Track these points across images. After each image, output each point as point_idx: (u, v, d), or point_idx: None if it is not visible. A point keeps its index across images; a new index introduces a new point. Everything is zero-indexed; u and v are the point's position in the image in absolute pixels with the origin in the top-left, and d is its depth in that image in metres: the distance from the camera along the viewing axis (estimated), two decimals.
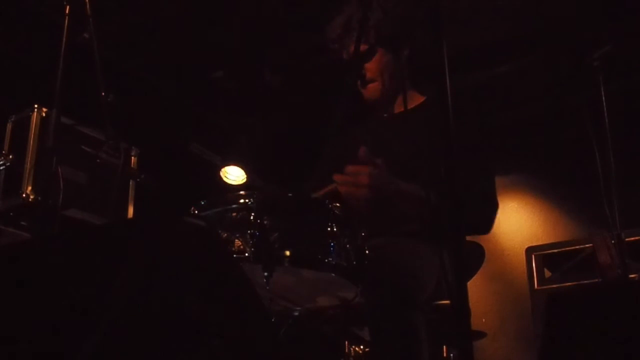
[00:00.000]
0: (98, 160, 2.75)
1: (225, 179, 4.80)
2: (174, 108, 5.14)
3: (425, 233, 2.08)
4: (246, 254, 1.71)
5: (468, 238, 2.29)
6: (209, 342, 1.10)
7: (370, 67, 2.42)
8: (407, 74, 2.45)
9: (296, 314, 2.04)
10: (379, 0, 2.32)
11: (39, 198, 2.90)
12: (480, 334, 3.50)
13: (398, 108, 2.52)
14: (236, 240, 1.73)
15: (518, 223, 5.47)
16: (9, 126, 3.20)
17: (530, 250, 4.06)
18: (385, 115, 2.56)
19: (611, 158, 3.04)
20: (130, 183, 3.41)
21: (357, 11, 2.34)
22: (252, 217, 1.74)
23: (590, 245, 3.42)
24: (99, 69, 2.54)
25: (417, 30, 2.41)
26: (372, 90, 2.46)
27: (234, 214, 1.77)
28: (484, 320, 4.86)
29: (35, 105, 3.10)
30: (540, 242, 4.36)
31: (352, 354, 2.63)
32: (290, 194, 1.87)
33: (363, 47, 2.36)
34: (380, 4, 2.31)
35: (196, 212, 1.84)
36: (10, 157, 3.09)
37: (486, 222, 2.33)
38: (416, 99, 2.50)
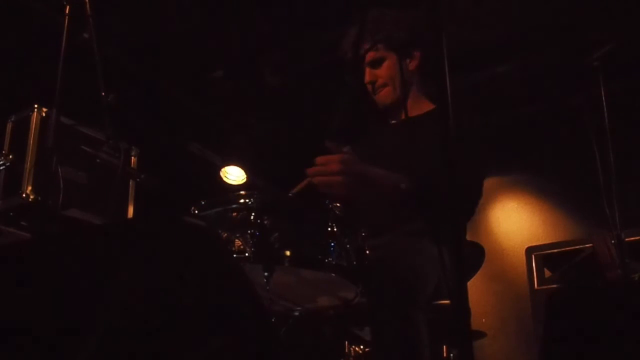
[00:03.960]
0: (98, 160, 2.75)
1: (225, 179, 4.80)
2: (174, 108, 5.13)
3: (426, 232, 2.08)
4: (246, 254, 1.71)
5: (468, 238, 2.30)
6: (209, 342, 1.09)
7: (381, 74, 2.52)
8: (417, 80, 2.54)
9: (296, 314, 2.04)
10: (389, 10, 2.43)
11: (39, 198, 2.90)
12: (480, 334, 3.50)
13: (409, 114, 2.54)
14: (236, 240, 1.73)
15: (518, 223, 5.47)
16: (9, 126, 3.20)
17: (530, 250, 4.06)
18: (394, 121, 2.60)
19: (611, 158, 3.04)
20: (130, 183, 3.41)
21: (367, 22, 2.38)
22: (252, 217, 1.74)
23: (590, 245, 3.43)
24: (99, 69, 2.54)
25: (427, 38, 2.45)
26: (383, 96, 2.54)
27: (234, 214, 1.77)
28: (484, 320, 4.86)
29: (35, 105, 3.09)
30: (540, 242, 4.35)
31: (352, 354, 2.63)
32: (290, 194, 1.87)
33: (372, 54, 2.44)
34: (390, 13, 2.43)
35: (196, 212, 1.85)
36: (10, 157, 3.08)
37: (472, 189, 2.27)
38: (426, 106, 2.54)
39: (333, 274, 1.79)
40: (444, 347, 3.12)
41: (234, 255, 1.71)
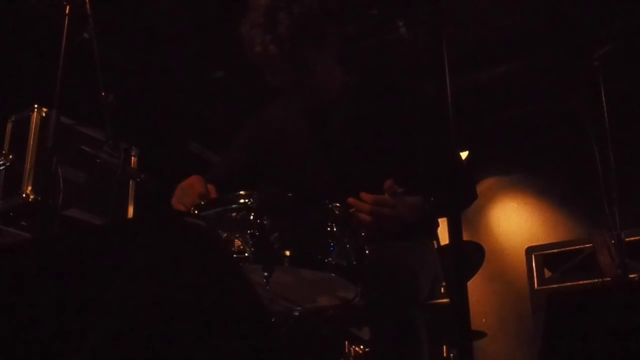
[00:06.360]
0: (98, 160, 2.75)
1: None
2: (174, 108, 5.13)
3: (423, 231, 2.08)
4: (246, 254, 1.71)
5: (468, 238, 2.29)
6: (209, 342, 1.10)
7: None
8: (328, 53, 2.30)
9: (296, 314, 2.04)
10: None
11: (39, 198, 2.90)
12: (480, 334, 3.50)
13: (319, 92, 2.37)
14: (236, 240, 1.73)
15: (518, 223, 5.48)
16: (9, 126, 3.20)
17: (530, 250, 4.06)
18: (302, 98, 2.43)
19: (611, 158, 3.04)
20: (130, 183, 3.41)
21: (264, 13, 2.20)
22: (252, 217, 1.74)
23: (590, 245, 3.43)
24: (99, 69, 2.54)
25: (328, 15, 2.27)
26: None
27: (234, 214, 1.77)
28: (484, 320, 4.87)
29: (35, 105, 3.10)
30: (540, 242, 4.36)
31: (352, 354, 2.63)
32: (290, 194, 1.87)
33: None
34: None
35: (196, 212, 1.84)
36: (10, 157, 3.09)
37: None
38: (337, 80, 2.35)
39: (333, 274, 1.79)
40: (444, 347, 3.13)
41: (234, 255, 1.71)
